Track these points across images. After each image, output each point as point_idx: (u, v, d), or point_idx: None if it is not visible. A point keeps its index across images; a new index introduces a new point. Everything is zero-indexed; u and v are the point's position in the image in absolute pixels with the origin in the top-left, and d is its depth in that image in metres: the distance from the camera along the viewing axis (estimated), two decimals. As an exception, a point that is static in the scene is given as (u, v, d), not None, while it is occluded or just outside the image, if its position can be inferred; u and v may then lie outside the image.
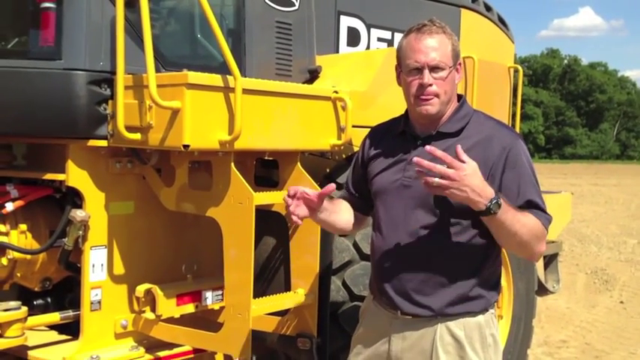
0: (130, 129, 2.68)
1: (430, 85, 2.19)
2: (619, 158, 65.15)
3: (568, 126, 66.13)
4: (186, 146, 2.57)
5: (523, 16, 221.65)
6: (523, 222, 2.12)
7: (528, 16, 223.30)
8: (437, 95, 2.20)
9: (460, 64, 2.28)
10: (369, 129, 2.61)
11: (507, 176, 2.19)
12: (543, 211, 2.21)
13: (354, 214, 2.49)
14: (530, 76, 68.90)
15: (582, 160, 57.65)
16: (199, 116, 2.59)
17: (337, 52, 3.93)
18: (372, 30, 4.12)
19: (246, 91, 2.68)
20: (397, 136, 2.37)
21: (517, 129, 5.24)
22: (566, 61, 72.29)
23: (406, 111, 2.37)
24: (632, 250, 11.21)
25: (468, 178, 1.99)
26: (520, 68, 5.20)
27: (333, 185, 2.25)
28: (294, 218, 2.22)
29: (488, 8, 4.97)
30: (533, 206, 2.19)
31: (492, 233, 2.17)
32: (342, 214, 2.42)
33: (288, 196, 2.22)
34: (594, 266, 9.52)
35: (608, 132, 69.09)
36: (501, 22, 5.11)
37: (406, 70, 2.23)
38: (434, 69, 2.18)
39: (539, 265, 4.94)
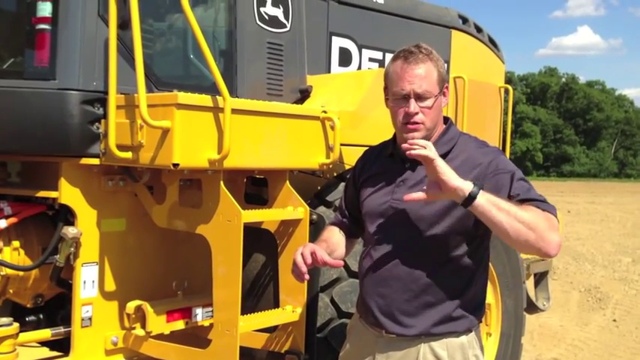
0: (121, 148, 2.73)
1: (416, 113, 2.23)
2: (617, 176, 65.21)
3: (566, 144, 66.31)
4: (175, 165, 2.62)
5: (521, 34, 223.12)
6: (516, 208, 2.04)
7: (527, 35, 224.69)
8: (423, 123, 2.24)
9: (447, 87, 2.32)
10: (358, 147, 2.66)
11: (497, 180, 2.16)
12: (544, 202, 2.13)
13: (347, 241, 2.55)
14: (528, 94, 69.20)
15: (580, 178, 57.69)
16: (189, 135, 2.64)
17: (329, 72, 4.00)
18: (364, 50, 4.19)
19: (235, 111, 2.73)
20: (387, 159, 2.42)
21: (508, 148, 5.31)
22: (564, 80, 72.62)
23: (394, 133, 2.42)
24: (626, 268, 11.22)
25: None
26: (510, 88, 5.28)
27: (341, 262, 2.38)
28: (305, 278, 2.30)
29: (478, 29, 5.05)
30: (529, 201, 2.11)
31: (492, 230, 2.10)
32: (337, 252, 2.47)
33: (304, 261, 2.26)
34: (588, 284, 9.53)
35: (606, 150, 69.24)
36: (492, 43, 5.19)
37: (392, 97, 2.28)
38: (420, 98, 2.22)
39: (530, 282, 4.97)
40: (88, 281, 2.96)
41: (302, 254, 2.27)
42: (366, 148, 2.63)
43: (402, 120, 2.25)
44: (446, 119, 2.39)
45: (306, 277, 2.28)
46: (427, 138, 2.28)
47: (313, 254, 2.26)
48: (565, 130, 67.12)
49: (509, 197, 2.12)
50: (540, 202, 2.11)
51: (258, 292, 3.32)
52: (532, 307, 4.84)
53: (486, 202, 2.03)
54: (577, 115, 68.93)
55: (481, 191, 2.03)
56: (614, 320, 7.61)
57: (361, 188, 2.47)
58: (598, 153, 67.89)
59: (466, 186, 2.03)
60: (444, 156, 2.28)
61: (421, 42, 2.33)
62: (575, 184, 44.65)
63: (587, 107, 68.79)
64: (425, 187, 2.11)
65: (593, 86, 73.95)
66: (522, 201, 2.10)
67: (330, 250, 2.40)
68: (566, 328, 7.19)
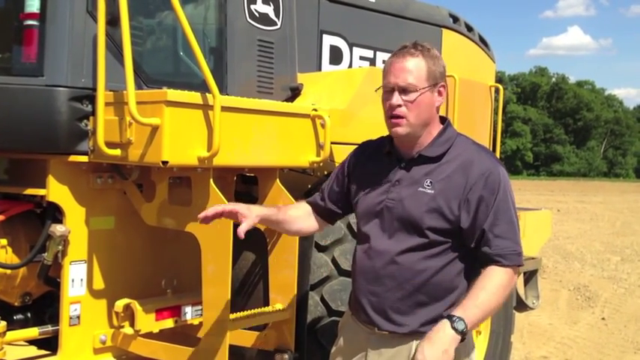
0: (110, 145, 2.71)
1: (399, 105, 2.23)
2: (606, 175, 65.58)
3: (556, 143, 66.60)
4: (165, 162, 2.60)
5: (512, 34, 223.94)
6: (490, 298, 2.17)
7: (517, 35, 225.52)
8: (405, 117, 2.24)
9: (443, 86, 2.29)
10: (348, 145, 2.64)
11: (483, 201, 2.21)
12: (512, 240, 2.23)
13: (317, 220, 2.56)
14: (518, 93, 69.45)
15: (570, 178, 57.98)
16: (178, 133, 2.62)
17: (320, 70, 3.99)
18: (355, 49, 4.19)
19: (224, 109, 2.72)
20: (383, 157, 2.40)
21: (498, 147, 5.32)
22: (554, 80, 72.93)
23: None
24: (615, 267, 11.30)
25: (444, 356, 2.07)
26: (501, 87, 5.29)
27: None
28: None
29: (469, 28, 5.06)
30: (500, 237, 2.22)
31: None
32: (288, 224, 2.49)
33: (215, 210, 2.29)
34: (577, 283, 9.59)
35: (596, 149, 69.61)
36: (482, 42, 5.20)
37: (383, 90, 2.29)
38: (403, 91, 2.22)
39: (519, 281, 4.99)
40: (76, 279, 2.94)
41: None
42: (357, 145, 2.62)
43: (386, 112, 2.27)
44: (443, 119, 2.38)
45: (205, 220, 2.30)
46: (413, 135, 2.28)
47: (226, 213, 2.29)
48: (555, 129, 67.42)
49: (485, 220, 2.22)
50: (505, 254, 2.20)
51: (248, 291, 3.31)
52: (521, 306, 4.85)
53: (472, 325, 2.15)
54: (567, 114, 69.25)
55: (466, 327, 2.11)
56: (603, 318, 7.66)
57: (355, 183, 2.45)
58: (587, 152, 68.25)
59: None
60: (440, 157, 2.29)
61: (414, 41, 2.33)
62: (564, 184, 44.90)
63: (577, 107, 69.11)
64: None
65: (583, 86, 74.33)
66: (491, 234, 2.20)
67: (278, 219, 2.45)
68: (555, 326, 7.22)
